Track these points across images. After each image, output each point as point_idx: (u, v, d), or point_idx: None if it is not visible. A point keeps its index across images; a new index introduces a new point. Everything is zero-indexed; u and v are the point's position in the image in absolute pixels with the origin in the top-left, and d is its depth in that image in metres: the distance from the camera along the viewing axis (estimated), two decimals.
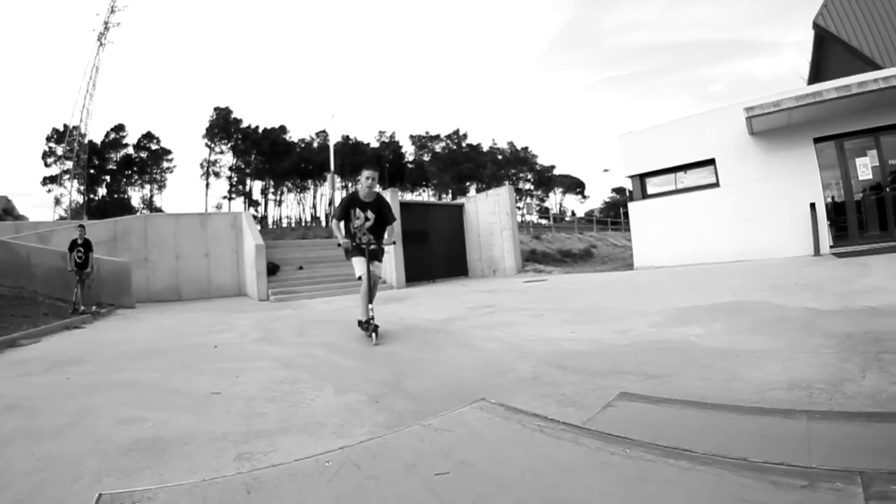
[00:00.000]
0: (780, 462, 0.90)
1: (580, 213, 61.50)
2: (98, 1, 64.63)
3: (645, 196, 13.64)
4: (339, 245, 4.92)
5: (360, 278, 4.88)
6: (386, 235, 5.02)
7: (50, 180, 50.76)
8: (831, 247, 10.58)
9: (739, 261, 10.85)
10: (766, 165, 11.48)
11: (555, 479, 0.87)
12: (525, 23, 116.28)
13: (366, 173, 4.88)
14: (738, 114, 11.23)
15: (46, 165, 51.39)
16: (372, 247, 4.91)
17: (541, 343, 4.03)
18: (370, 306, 4.79)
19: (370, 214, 4.93)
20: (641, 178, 13.69)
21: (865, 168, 10.64)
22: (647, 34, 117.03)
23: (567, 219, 47.85)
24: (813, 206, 10.55)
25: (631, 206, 14.17)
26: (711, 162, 12.34)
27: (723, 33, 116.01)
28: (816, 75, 19.82)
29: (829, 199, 10.95)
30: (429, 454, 0.93)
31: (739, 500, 0.80)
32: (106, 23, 49.74)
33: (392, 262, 12.84)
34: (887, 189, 10.30)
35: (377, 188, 5.04)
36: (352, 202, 4.91)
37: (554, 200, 71.30)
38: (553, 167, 66.88)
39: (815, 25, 16.79)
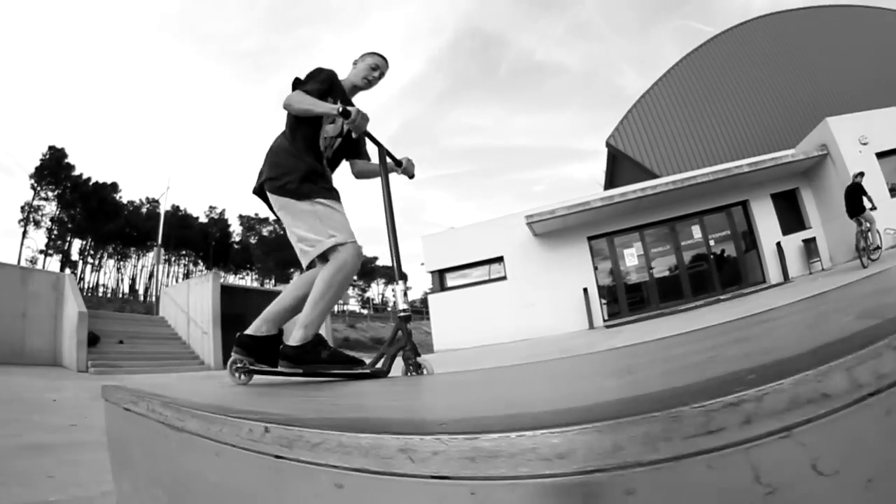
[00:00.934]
0: None
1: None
2: None
3: (443, 289, 15.50)
4: (339, 112, 2.14)
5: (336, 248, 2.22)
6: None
7: None
8: (605, 321, 12.66)
9: (525, 339, 12.05)
10: (547, 260, 13.80)
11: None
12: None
13: (371, 61, 2.52)
14: (523, 219, 13.39)
15: None
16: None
17: None
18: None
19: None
20: (440, 273, 15.60)
21: (632, 257, 13.37)
22: (481, 137, 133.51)
23: (389, 308, 49.75)
24: (586, 290, 12.94)
25: (430, 297, 15.94)
26: (501, 259, 14.64)
27: (549, 140, 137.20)
28: (611, 181, 23.98)
29: (610, 282, 13.55)
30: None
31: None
32: None
33: (210, 343, 13.46)
34: (650, 270, 13.24)
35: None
36: (338, 84, 2.39)
37: (376, 290, 72.82)
38: (376, 258, 67.53)
39: (608, 144, 20.82)
